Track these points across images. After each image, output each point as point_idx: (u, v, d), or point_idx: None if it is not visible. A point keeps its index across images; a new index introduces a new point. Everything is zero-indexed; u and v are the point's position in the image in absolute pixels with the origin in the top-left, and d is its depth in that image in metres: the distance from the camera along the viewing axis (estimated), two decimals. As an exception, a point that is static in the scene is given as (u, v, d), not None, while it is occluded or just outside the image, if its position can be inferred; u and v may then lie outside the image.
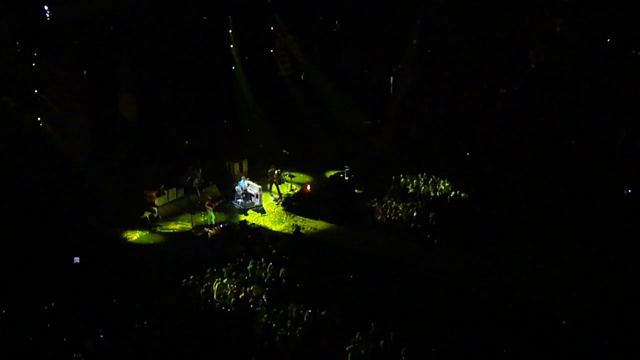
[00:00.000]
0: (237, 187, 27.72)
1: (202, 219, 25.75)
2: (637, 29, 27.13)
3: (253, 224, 25.67)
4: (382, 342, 16.41)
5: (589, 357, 16.03)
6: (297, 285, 19.79)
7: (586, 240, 22.31)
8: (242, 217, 26.27)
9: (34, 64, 24.53)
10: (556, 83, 29.12)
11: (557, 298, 19.02)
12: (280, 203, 27.84)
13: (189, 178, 27.72)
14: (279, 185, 29.11)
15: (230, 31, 30.93)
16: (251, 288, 19.32)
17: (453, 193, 26.95)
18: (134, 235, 24.53)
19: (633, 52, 27.88)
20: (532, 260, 21.45)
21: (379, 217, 25.55)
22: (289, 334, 17.05)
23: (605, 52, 28.09)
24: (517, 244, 22.43)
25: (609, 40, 28.07)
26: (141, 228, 25.07)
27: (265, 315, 17.96)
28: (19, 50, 24.47)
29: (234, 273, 20.30)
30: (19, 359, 16.08)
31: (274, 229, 25.32)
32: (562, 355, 16.10)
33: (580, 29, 28.49)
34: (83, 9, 25.39)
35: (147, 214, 25.75)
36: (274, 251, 22.11)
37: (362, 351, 16.19)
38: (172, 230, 25.34)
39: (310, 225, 25.30)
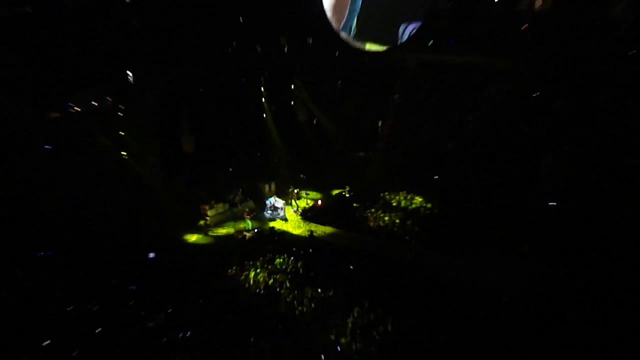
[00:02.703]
0: (267, 202, 27.73)
1: (242, 226, 25.82)
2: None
3: (279, 229, 25.63)
4: (373, 315, 16.55)
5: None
6: (311, 274, 19.74)
7: (528, 236, 21.82)
8: (271, 224, 26.24)
9: (121, 114, 24.70)
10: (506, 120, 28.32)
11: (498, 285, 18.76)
12: (299, 213, 27.77)
13: (232, 196, 27.81)
14: (298, 200, 29.19)
15: (262, 89, 31.12)
16: (277, 276, 19.40)
17: (424, 206, 26.84)
18: (192, 238, 24.57)
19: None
20: (485, 254, 21.15)
21: (371, 224, 25.39)
22: (305, 309, 17.16)
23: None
24: (474, 243, 22.13)
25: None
26: (197, 232, 25.11)
27: (288, 296, 18.04)
28: (108, 103, 24.55)
29: (265, 265, 20.40)
30: (109, 326, 16.19)
31: (294, 232, 25.23)
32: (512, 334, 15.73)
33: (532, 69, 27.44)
34: (157, 75, 25.65)
35: (202, 222, 25.86)
36: (294, 249, 22.09)
37: (359, 323, 16.24)
38: (219, 234, 25.29)
39: (321, 230, 25.20)
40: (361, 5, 23.85)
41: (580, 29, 24.79)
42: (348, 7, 23.74)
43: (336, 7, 23.63)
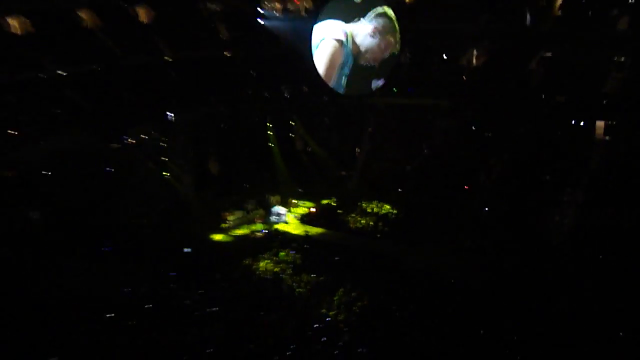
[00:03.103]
0: (273, 210, 27.34)
1: (254, 228, 25.66)
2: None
3: (282, 230, 25.50)
4: (354, 294, 16.71)
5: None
6: (307, 263, 19.81)
7: (470, 234, 21.96)
8: (276, 227, 26.06)
9: (163, 144, 24.84)
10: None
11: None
12: (297, 218, 27.47)
13: (247, 205, 27.55)
14: (296, 209, 28.80)
15: (269, 124, 31.14)
16: (282, 265, 19.50)
17: (392, 211, 26.74)
18: (217, 237, 24.38)
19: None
20: (438, 248, 21.38)
21: (351, 226, 25.40)
22: (302, 291, 17.31)
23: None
24: (430, 240, 22.30)
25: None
26: (221, 233, 24.88)
27: (289, 280, 18.20)
28: (154, 136, 24.73)
29: (272, 257, 20.43)
30: (155, 303, 16.33)
31: (293, 233, 25.08)
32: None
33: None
34: (191, 115, 25.84)
35: (224, 225, 25.54)
36: (293, 245, 22.14)
37: (343, 299, 16.46)
38: (237, 234, 25.04)
39: (314, 230, 25.06)
40: (349, 71, 24.49)
41: (505, 79, 25.88)
42: (337, 72, 24.30)
43: (327, 71, 24.11)
